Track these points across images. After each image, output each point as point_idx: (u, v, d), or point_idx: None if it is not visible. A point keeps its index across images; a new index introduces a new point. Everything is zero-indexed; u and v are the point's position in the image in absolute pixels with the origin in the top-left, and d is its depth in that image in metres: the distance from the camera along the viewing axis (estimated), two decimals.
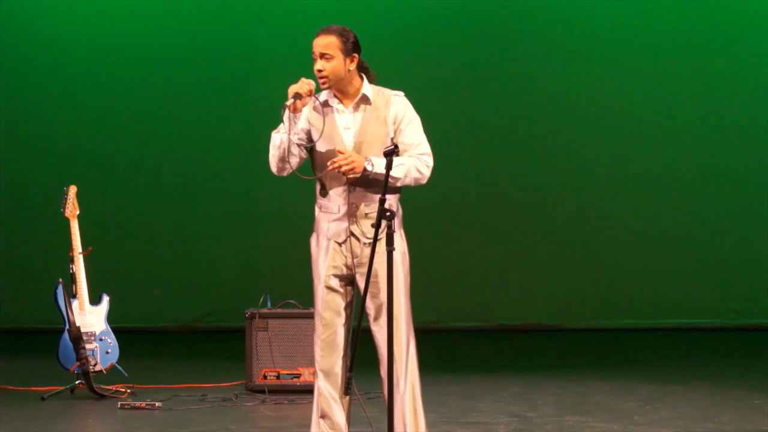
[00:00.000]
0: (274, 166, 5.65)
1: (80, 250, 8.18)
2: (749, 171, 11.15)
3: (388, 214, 5.31)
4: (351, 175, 5.51)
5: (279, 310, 8.28)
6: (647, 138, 11.18)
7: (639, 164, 11.21)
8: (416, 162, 5.64)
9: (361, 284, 5.56)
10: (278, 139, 5.59)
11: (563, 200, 11.21)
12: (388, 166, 5.38)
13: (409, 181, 5.63)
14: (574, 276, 11.18)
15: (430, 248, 10.70)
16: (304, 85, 5.52)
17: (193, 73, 11.20)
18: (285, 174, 5.65)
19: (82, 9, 11.19)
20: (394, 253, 5.32)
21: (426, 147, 5.68)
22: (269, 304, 8.34)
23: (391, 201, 5.62)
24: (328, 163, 5.52)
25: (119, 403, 7.80)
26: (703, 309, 11.16)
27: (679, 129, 11.19)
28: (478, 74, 11.18)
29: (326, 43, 5.59)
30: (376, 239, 5.38)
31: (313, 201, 5.77)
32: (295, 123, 5.57)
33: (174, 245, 11.24)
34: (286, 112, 5.54)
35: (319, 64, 5.58)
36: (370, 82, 5.72)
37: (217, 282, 11.16)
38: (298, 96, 5.48)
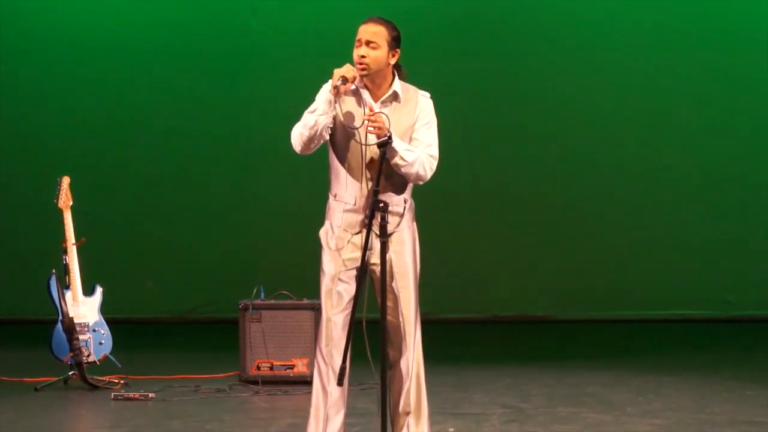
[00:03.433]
0: (299, 145, 5.52)
1: (73, 240, 8.17)
2: (742, 164, 11.17)
3: (381, 205, 5.32)
4: (377, 133, 5.41)
5: (272, 301, 8.28)
6: (640, 132, 11.20)
7: (632, 157, 11.22)
8: (425, 158, 5.59)
9: (375, 275, 5.53)
10: (313, 119, 5.47)
11: (557, 192, 11.22)
12: (383, 155, 5.38)
13: (413, 171, 5.54)
14: (568, 267, 11.19)
15: (424, 239, 10.67)
16: (351, 70, 5.45)
17: (187, 65, 11.19)
18: (308, 153, 5.57)
19: (73, 1, 11.16)
20: (407, 243, 5.51)
21: (435, 151, 5.64)
22: (263, 294, 8.34)
23: (405, 194, 5.64)
24: (365, 116, 5.43)
25: (112, 393, 7.80)
26: (695, 300, 11.18)
27: (671, 123, 11.20)
28: (472, 69, 11.17)
29: (375, 31, 5.54)
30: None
31: (314, 191, 5.70)
32: (334, 106, 5.50)
33: (167, 236, 11.23)
34: (327, 93, 5.45)
35: (363, 50, 5.51)
36: (401, 79, 5.67)
37: (211, 273, 11.16)
38: (344, 80, 5.41)
